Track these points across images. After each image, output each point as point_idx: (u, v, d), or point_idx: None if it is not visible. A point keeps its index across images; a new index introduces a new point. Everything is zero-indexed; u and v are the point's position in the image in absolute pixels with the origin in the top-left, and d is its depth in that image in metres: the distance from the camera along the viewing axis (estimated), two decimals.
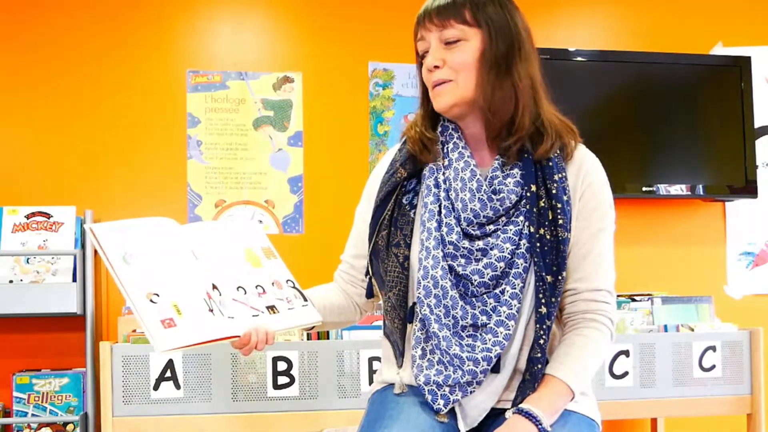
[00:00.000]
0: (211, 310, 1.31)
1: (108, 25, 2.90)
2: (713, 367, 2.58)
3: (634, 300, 2.75)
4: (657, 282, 3.11)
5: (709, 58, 3.17)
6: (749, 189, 3.06)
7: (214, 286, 1.36)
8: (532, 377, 1.34)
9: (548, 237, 1.34)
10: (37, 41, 2.87)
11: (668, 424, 3.05)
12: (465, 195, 1.38)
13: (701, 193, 3.05)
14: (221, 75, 2.96)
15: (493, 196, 1.37)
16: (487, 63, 1.35)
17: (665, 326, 2.62)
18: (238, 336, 1.32)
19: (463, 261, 1.36)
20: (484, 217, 1.37)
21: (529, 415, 1.28)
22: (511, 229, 1.35)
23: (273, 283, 1.46)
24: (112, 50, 2.90)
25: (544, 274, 1.33)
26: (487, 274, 1.34)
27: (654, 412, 2.60)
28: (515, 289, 1.34)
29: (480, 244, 1.36)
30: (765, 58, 3.22)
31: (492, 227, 1.37)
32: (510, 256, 1.34)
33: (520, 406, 1.31)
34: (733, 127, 3.07)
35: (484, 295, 1.35)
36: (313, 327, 1.50)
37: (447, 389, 1.34)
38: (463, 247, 1.36)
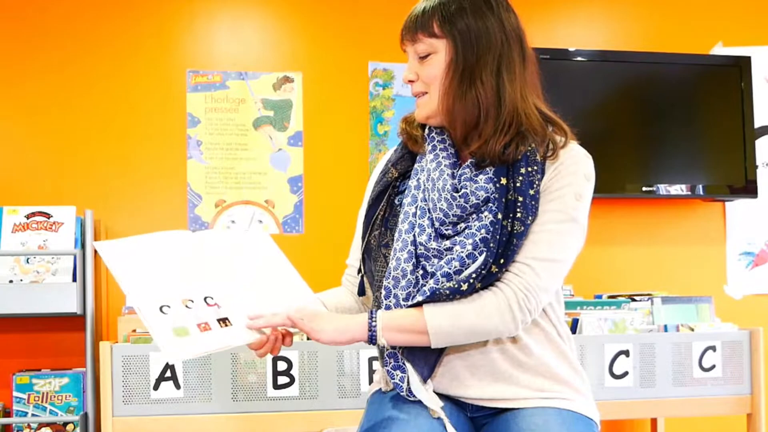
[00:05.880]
0: (223, 319, 1.34)
1: (108, 25, 2.91)
2: (713, 367, 2.58)
3: (634, 300, 2.75)
4: (657, 282, 3.11)
5: (709, 58, 3.17)
6: (749, 189, 3.06)
7: (220, 294, 1.39)
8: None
9: (508, 228, 1.33)
10: (37, 41, 2.87)
11: (668, 424, 3.05)
12: (434, 195, 1.39)
13: (701, 193, 3.05)
14: (221, 75, 2.96)
15: (455, 194, 1.37)
16: (452, 74, 1.37)
17: (665, 326, 2.61)
18: (251, 341, 1.35)
19: (435, 261, 1.36)
20: (453, 215, 1.37)
21: (371, 315, 1.35)
22: (475, 225, 1.35)
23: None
24: (112, 50, 2.90)
25: (490, 261, 1.32)
26: (454, 267, 1.33)
27: (654, 412, 2.60)
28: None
29: (447, 243, 1.36)
30: (765, 58, 3.22)
31: (463, 225, 1.37)
32: (472, 249, 1.33)
33: (378, 312, 1.35)
34: (733, 127, 3.07)
35: None
36: None
37: (414, 378, 1.37)
38: (432, 248, 1.36)
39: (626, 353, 2.51)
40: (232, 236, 1.56)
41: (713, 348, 2.58)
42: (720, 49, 3.22)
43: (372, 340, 1.34)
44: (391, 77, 3.05)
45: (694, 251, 3.21)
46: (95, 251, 2.45)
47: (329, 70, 3.02)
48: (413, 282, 1.37)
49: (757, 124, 3.15)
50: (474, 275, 1.32)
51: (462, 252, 1.33)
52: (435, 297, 1.33)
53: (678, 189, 3.04)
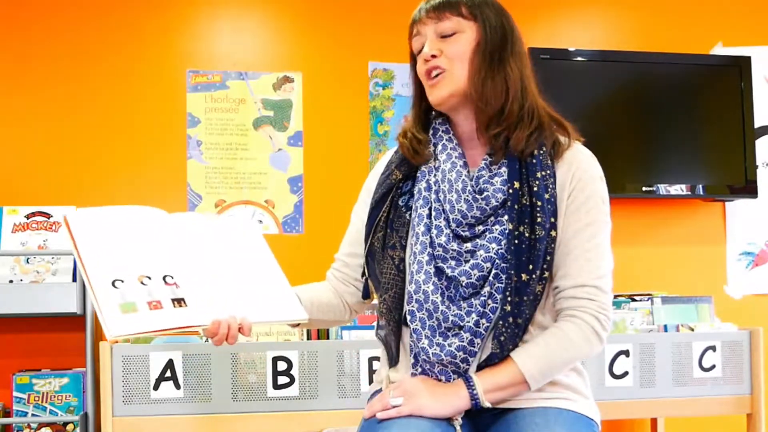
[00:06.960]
0: (179, 299, 1.29)
1: (108, 25, 2.90)
2: (713, 367, 2.57)
3: (634, 300, 2.75)
4: (657, 282, 3.11)
5: (709, 58, 3.17)
6: (749, 189, 3.06)
7: (183, 274, 1.33)
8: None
9: (527, 235, 1.33)
10: (37, 41, 2.87)
11: (668, 424, 3.05)
12: (452, 196, 1.38)
13: (701, 193, 3.05)
14: (221, 75, 2.96)
15: (477, 196, 1.37)
16: (481, 54, 1.38)
17: (665, 326, 2.61)
18: (205, 325, 1.29)
19: (453, 263, 1.36)
20: (472, 217, 1.37)
21: (468, 383, 1.32)
22: (497, 229, 1.35)
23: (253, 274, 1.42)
24: (112, 50, 2.90)
25: (518, 271, 1.32)
26: (474, 275, 1.34)
27: (654, 412, 2.60)
28: (492, 288, 1.34)
29: (468, 245, 1.36)
30: (765, 58, 3.22)
31: (481, 228, 1.37)
32: (496, 257, 1.34)
33: (468, 374, 1.34)
34: (733, 127, 3.07)
35: (472, 297, 1.35)
36: (298, 324, 1.48)
37: None
38: (452, 250, 1.36)
39: (626, 353, 2.51)
40: (218, 220, 1.50)
41: (713, 348, 2.58)
42: (720, 49, 3.22)
43: (476, 406, 1.33)
44: (391, 77, 3.05)
45: (694, 251, 3.21)
46: None
47: (329, 70, 3.02)
48: (429, 294, 1.35)
49: (757, 124, 3.15)
50: (508, 292, 1.32)
51: (486, 255, 1.34)
52: (505, 346, 1.33)
53: (678, 189, 3.04)
